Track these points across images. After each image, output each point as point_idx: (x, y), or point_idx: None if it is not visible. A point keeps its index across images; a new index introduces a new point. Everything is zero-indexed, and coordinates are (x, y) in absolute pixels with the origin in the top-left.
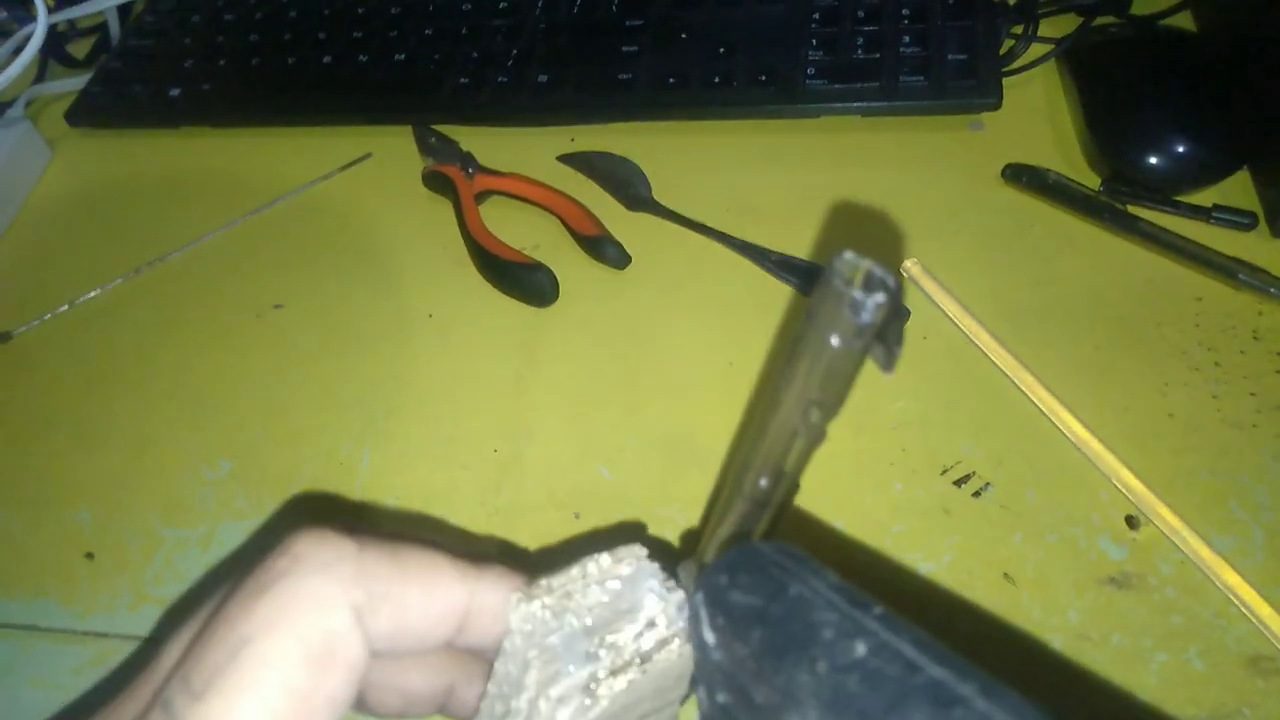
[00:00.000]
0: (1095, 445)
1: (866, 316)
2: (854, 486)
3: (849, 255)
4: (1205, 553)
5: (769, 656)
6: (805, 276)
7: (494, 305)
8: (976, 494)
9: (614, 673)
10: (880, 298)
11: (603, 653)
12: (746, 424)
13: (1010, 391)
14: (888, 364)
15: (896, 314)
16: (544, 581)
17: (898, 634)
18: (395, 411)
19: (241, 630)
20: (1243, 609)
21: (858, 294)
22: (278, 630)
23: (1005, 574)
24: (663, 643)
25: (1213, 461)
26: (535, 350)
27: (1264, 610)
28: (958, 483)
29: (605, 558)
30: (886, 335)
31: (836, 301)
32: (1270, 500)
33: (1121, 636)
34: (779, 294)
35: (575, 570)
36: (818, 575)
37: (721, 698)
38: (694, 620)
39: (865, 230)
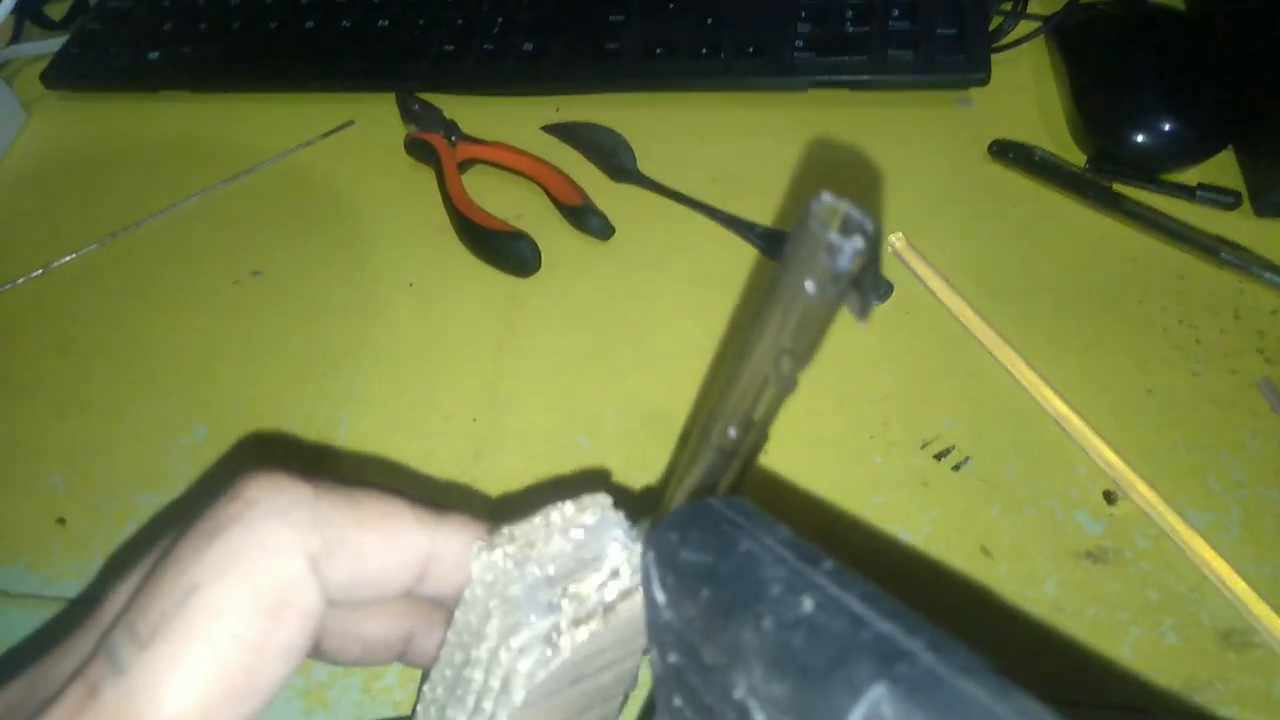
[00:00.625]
0: (1075, 421)
1: (844, 262)
2: (835, 458)
3: (826, 197)
4: (1181, 528)
5: (716, 615)
6: None
7: (475, 274)
8: (956, 468)
9: (576, 623)
10: (858, 242)
11: (565, 603)
12: (716, 373)
13: (992, 366)
14: (862, 313)
15: (874, 260)
16: (506, 530)
17: (845, 588)
18: (374, 379)
19: (190, 577)
20: (1217, 584)
21: (834, 237)
22: (228, 577)
23: (983, 547)
24: (626, 593)
25: (1191, 438)
26: (516, 320)
27: (1238, 585)
28: (938, 456)
29: (569, 506)
30: (863, 282)
31: (812, 246)
32: (1246, 477)
33: (1097, 609)
34: (762, 266)
35: (538, 519)
36: (770, 531)
37: (673, 658)
38: (645, 579)
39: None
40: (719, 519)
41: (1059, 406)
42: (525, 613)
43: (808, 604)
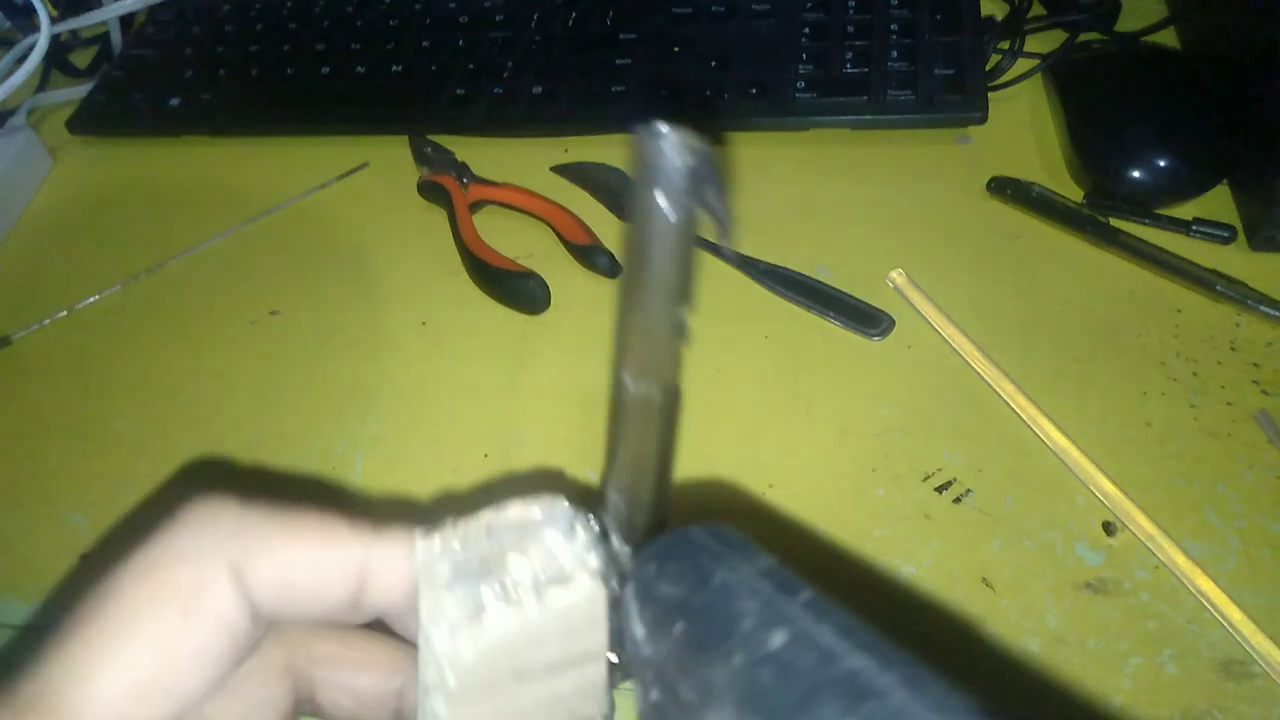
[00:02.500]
0: (1074, 453)
1: (677, 161)
2: (837, 491)
3: (656, 125)
4: (1180, 559)
5: (690, 650)
6: (793, 286)
7: (487, 313)
8: (957, 500)
9: (505, 601)
10: (684, 143)
11: (495, 583)
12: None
13: (992, 400)
14: (723, 233)
15: (712, 178)
16: (448, 523)
17: (820, 619)
18: (388, 416)
19: (110, 582)
20: (1216, 614)
21: (664, 143)
22: (144, 581)
23: (984, 579)
24: (562, 579)
25: (1189, 469)
26: (527, 357)
27: (1236, 615)
28: (939, 489)
29: (518, 503)
30: (710, 203)
31: (648, 163)
32: (1244, 508)
33: (1097, 640)
34: (766, 303)
35: (485, 513)
36: (749, 560)
37: (654, 695)
38: (625, 614)
39: (853, 240)
40: (698, 549)
41: (1058, 439)
42: (452, 590)
43: (778, 638)
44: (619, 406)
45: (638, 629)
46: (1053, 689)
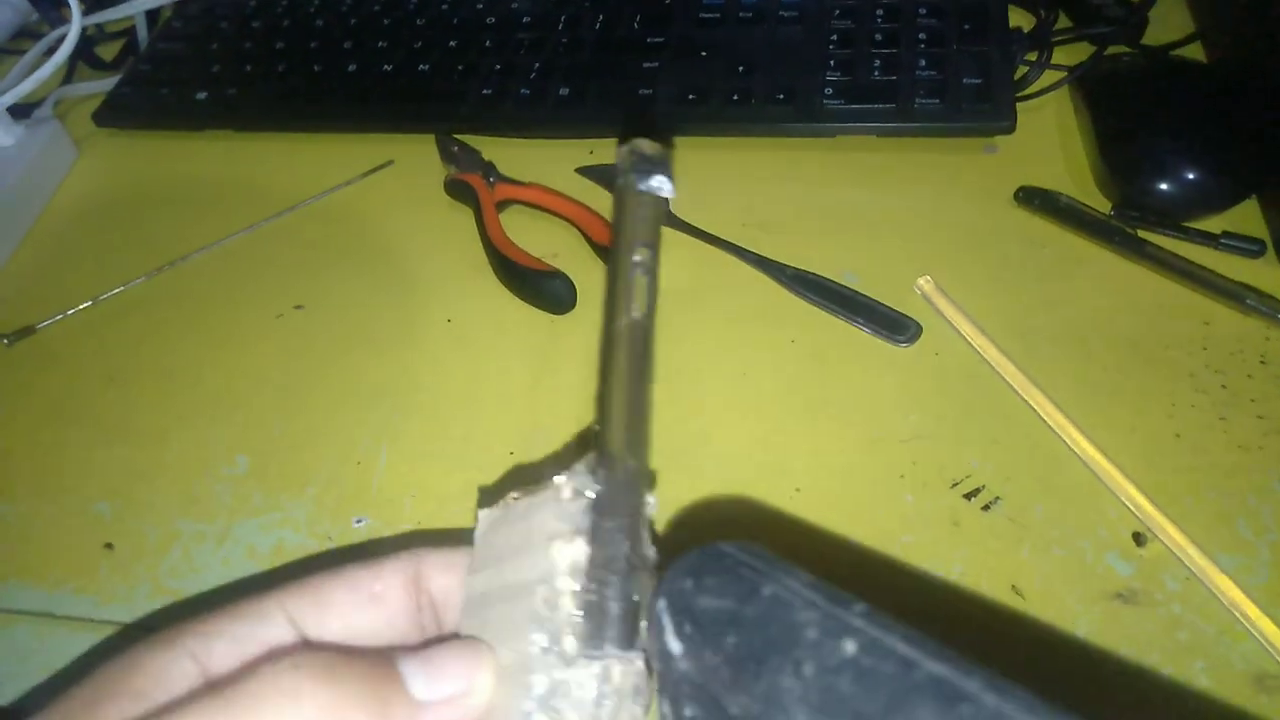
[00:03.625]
0: (1103, 463)
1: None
2: (866, 497)
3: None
4: (1211, 570)
5: (747, 663)
6: (820, 291)
7: (512, 311)
8: (986, 507)
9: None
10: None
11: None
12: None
13: (1020, 408)
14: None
15: (662, 164)
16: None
17: (887, 631)
18: (412, 413)
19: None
20: (1248, 626)
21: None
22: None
23: (1013, 586)
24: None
25: (1220, 482)
26: (552, 356)
27: (1269, 628)
28: (968, 496)
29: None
30: (659, 183)
31: (624, 162)
32: (1275, 521)
33: (1129, 650)
34: (793, 307)
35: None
36: (790, 574)
37: (689, 711)
38: (656, 629)
39: (880, 247)
40: (735, 563)
41: (1087, 448)
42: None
43: (850, 647)
44: (605, 342)
45: (673, 644)
46: (1083, 700)
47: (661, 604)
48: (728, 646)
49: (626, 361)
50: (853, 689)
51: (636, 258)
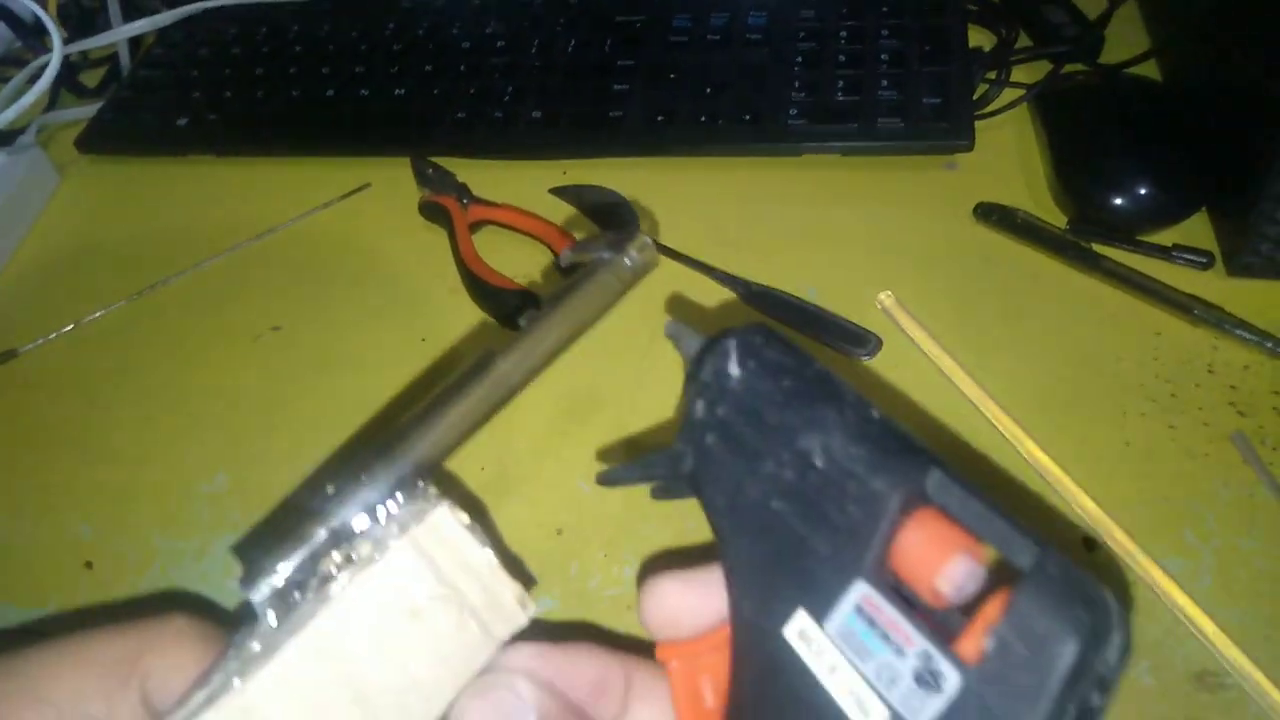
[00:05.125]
0: (1056, 471)
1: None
2: None
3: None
4: (1158, 575)
5: (799, 396)
6: (783, 307)
7: (485, 331)
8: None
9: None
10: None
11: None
12: None
13: (976, 419)
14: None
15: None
16: None
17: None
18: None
19: None
20: (1191, 628)
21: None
22: None
23: None
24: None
25: (1167, 489)
26: None
27: (1210, 629)
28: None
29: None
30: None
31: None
32: (1219, 526)
33: None
34: (759, 323)
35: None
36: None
37: (722, 411)
38: (718, 356)
39: (843, 263)
40: (789, 342)
41: (1040, 457)
42: None
43: (875, 412)
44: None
45: (733, 368)
46: None
47: (731, 342)
48: (785, 383)
49: (456, 387)
50: (879, 432)
51: (536, 311)
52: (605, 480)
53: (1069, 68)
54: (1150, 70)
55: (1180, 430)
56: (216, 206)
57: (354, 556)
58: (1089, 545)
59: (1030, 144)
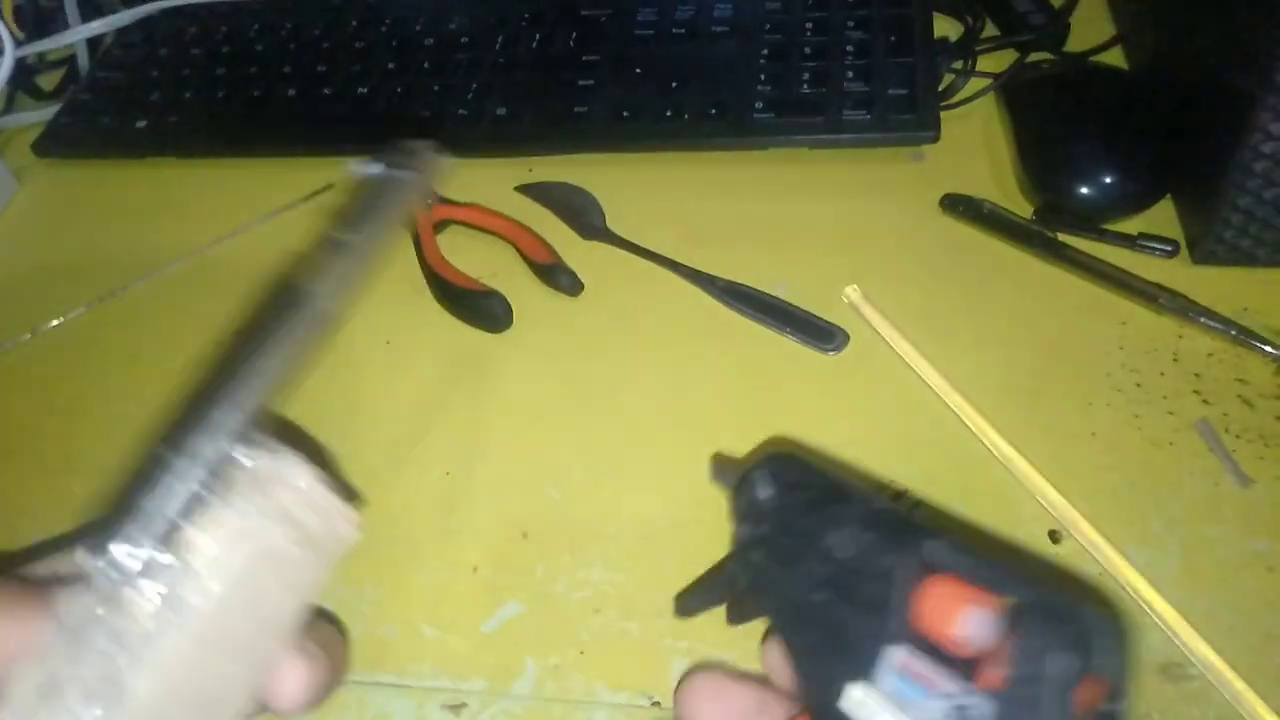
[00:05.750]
0: (1021, 463)
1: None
2: None
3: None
4: (1123, 565)
5: (818, 503)
6: (751, 303)
7: (450, 331)
8: (910, 510)
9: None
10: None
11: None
12: None
13: (942, 411)
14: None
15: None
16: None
17: (889, 509)
18: (351, 435)
19: None
20: (1156, 619)
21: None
22: None
23: None
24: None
25: (1132, 478)
26: (489, 375)
27: (1174, 619)
28: (893, 499)
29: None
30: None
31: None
32: (1184, 515)
33: None
34: (726, 319)
35: None
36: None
37: (761, 529)
38: (750, 483)
39: (810, 257)
40: (806, 461)
41: (1006, 449)
42: None
43: (878, 504)
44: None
45: (764, 490)
46: None
47: (759, 471)
48: (806, 496)
49: (271, 325)
50: (882, 520)
51: (337, 235)
52: (684, 612)
53: (1035, 56)
54: (1116, 57)
55: (1145, 419)
56: (178, 210)
57: (204, 514)
58: (1054, 537)
59: (997, 134)
